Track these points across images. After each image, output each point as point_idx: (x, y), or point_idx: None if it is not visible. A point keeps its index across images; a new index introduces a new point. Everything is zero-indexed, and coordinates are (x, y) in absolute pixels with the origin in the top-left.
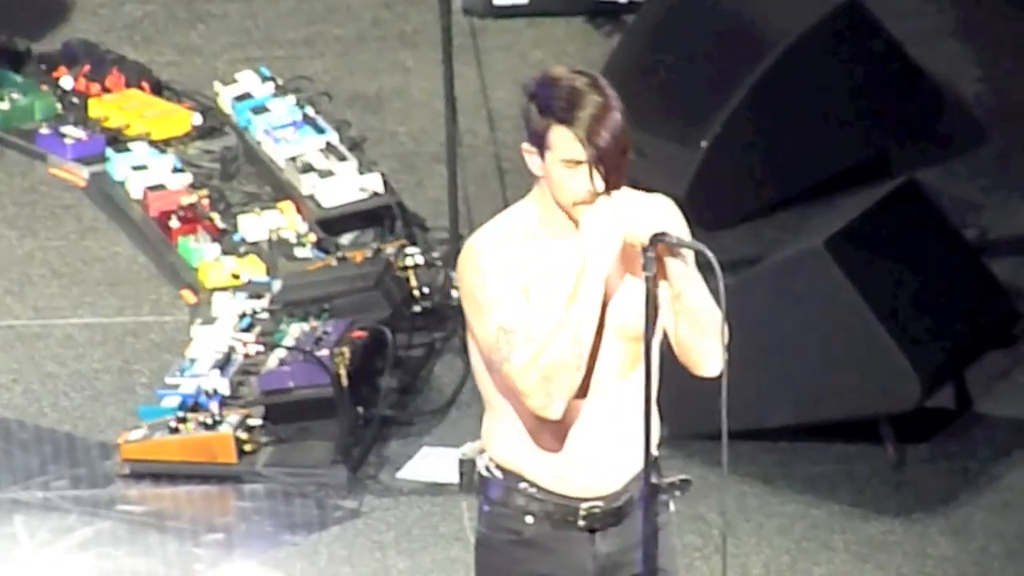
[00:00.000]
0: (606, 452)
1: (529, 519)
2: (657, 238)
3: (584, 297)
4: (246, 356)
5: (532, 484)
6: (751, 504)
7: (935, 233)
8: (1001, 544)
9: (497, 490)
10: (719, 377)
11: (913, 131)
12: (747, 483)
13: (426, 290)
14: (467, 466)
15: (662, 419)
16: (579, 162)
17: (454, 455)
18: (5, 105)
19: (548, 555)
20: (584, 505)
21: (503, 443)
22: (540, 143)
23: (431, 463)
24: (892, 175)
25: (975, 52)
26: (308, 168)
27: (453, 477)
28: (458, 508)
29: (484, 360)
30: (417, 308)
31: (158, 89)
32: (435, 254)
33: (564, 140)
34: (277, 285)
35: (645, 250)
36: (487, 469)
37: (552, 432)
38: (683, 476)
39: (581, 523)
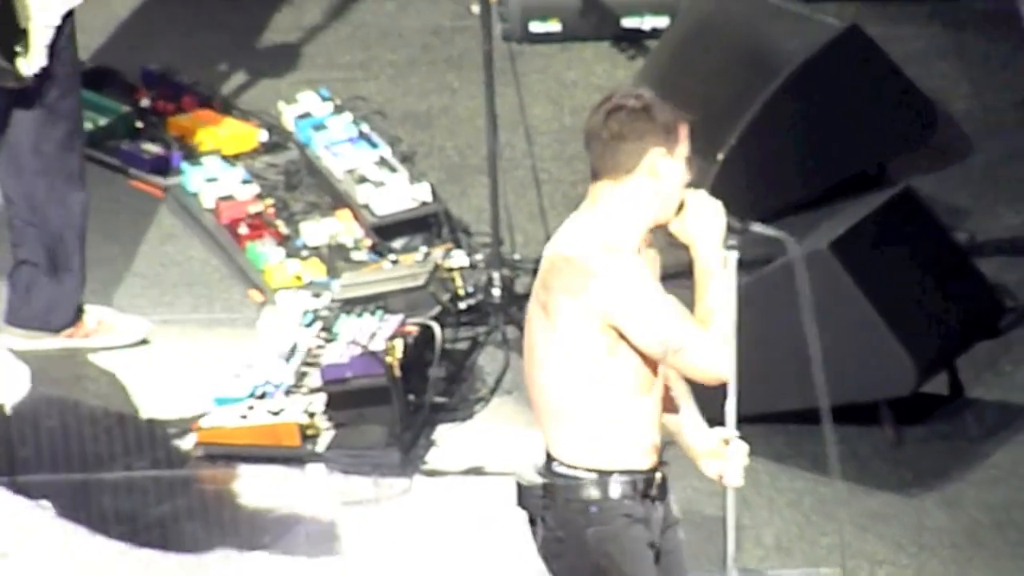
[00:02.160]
0: (657, 428)
1: (628, 502)
2: (745, 225)
3: (718, 270)
4: (308, 349)
5: (623, 472)
6: (763, 480)
7: (929, 236)
8: (990, 515)
9: (597, 489)
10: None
11: (909, 143)
12: (760, 462)
13: (470, 289)
14: (535, 489)
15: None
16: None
17: (496, 441)
18: (90, 123)
19: (647, 525)
20: (657, 476)
21: (588, 445)
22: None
23: (475, 447)
24: (890, 183)
25: (964, 72)
26: (363, 179)
27: (495, 461)
28: (498, 488)
29: (656, 352)
30: (462, 305)
31: (227, 109)
32: (478, 257)
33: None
34: (336, 285)
35: (734, 232)
36: (574, 476)
37: (628, 418)
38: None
39: (654, 492)
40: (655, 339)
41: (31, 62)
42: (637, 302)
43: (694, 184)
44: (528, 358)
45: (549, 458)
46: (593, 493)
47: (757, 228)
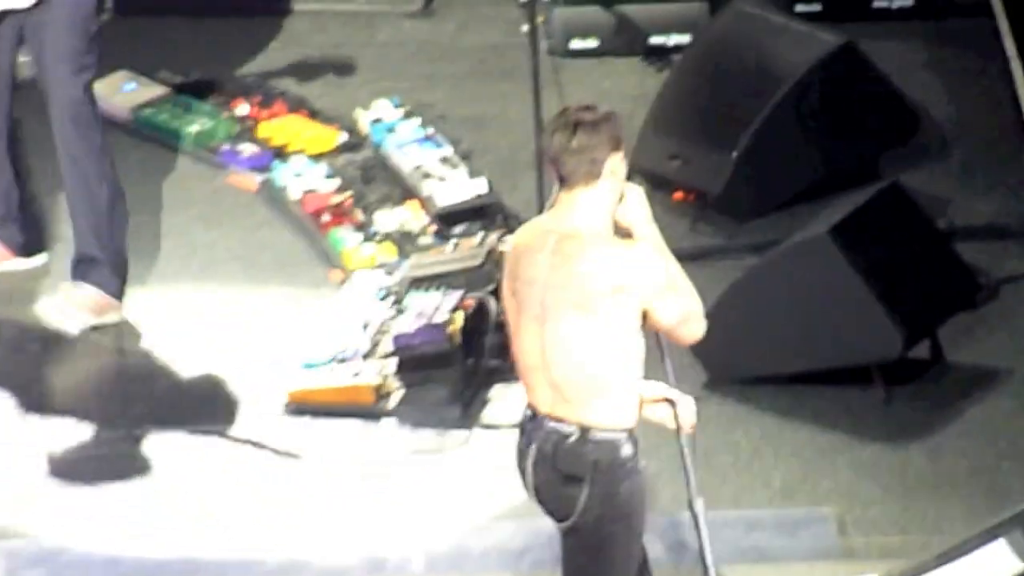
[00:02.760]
0: None
1: (636, 455)
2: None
3: (663, 245)
4: (381, 321)
5: (632, 429)
6: (771, 432)
7: (913, 223)
8: (966, 463)
9: (630, 445)
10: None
11: (896, 143)
12: (768, 416)
13: None
14: (584, 453)
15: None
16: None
17: None
18: (196, 127)
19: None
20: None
21: (622, 408)
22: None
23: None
24: (880, 178)
25: (943, 82)
26: (428, 175)
27: None
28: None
29: (671, 325)
30: None
31: (312, 114)
32: None
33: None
34: (405, 265)
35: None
36: (613, 439)
37: (637, 379)
38: None
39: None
40: (677, 313)
41: None
42: (666, 287)
43: (705, 179)
44: (558, 347)
45: (583, 430)
46: (627, 450)
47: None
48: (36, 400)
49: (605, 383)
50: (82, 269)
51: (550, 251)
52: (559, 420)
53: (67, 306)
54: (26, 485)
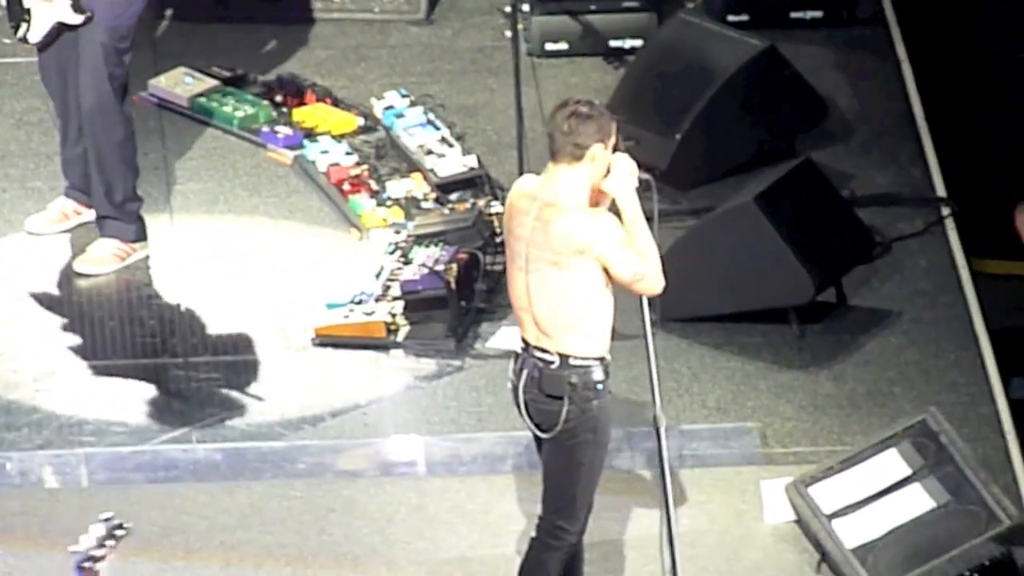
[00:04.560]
0: None
1: (607, 380)
2: (647, 181)
3: (641, 217)
4: (391, 270)
5: (604, 358)
6: (707, 362)
7: (823, 192)
8: (864, 387)
9: (601, 371)
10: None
11: (808, 127)
12: (705, 349)
13: (503, 228)
14: (563, 377)
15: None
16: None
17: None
18: (241, 112)
19: None
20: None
21: (594, 341)
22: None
23: (508, 336)
24: (796, 156)
25: (848, 79)
26: (429, 152)
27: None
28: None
29: (627, 281)
30: (498, 240)
31: (336, 103)
32: None
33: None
34: (411, 225)
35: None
36: (587, 365)
37: (607, 320)
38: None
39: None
40: (631, 272)
41: (33, 33)
42: (622, 251)
43: (653, 156)
44: (538, 293)
45: (562, 357)
46: (599, 375)
47: (645, 176)
48: (84, 336)
49: (577, 322)
50: (103, 225)
51: (533, 215)
52: (543, 350)
53: (96, 258)
54: (75, 409)
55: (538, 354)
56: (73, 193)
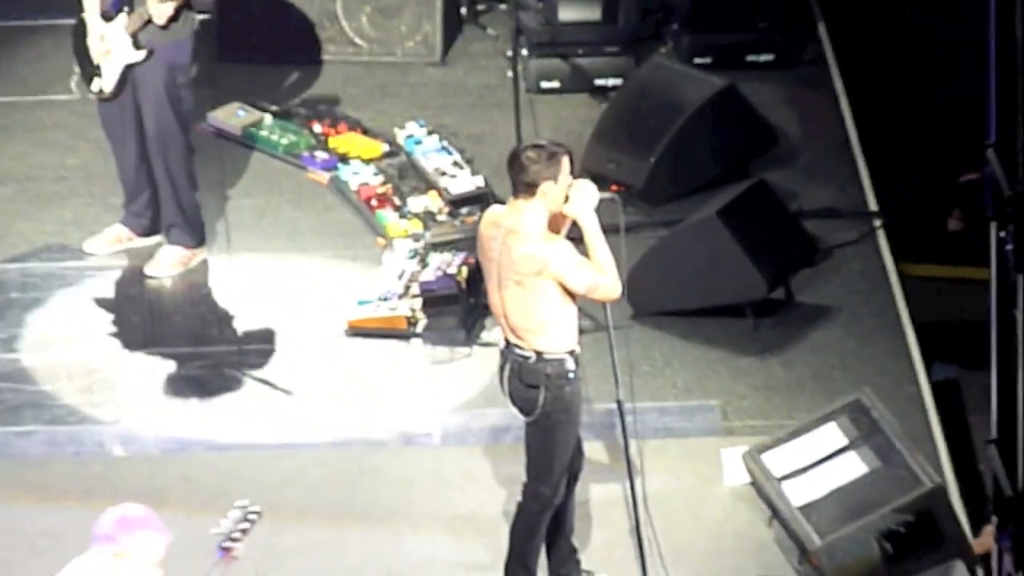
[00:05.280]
0: None
1: (577, 368)
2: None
3: (599, 235)
4: (411, 272)
5: (573, 351)
6: (677, 349)
7: (774, 207)
8: (809, 371)
9: (572, 361)
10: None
11: (761, 152)
12: (675, 338)
13: None
14: (538, 370)
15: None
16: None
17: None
18: (285, 140)
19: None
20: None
21: (562, 339)
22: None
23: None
24: (751, 176)
25: (794, 111)
26: (443, 173)
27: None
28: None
29: (582, 293)
30: None
31: (365, 132)
32: None
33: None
34: (428, 235)
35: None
36: (559, 358)
37: (571, 322)
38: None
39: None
40: (584, 285)
41: (106, 82)
42: (573, 268)
43: (630, 177)
44: (510, 306)
45: (537, 353)
46: (570, 365)
47: (607, 196)
48: (150, 327)
49: (544, 328)
50: (170, 233)
51: (500, 241)
52: (521, 348)
53: (163, 263)
54: (144, 388)
55: (517, 351)
56: (130, 221)
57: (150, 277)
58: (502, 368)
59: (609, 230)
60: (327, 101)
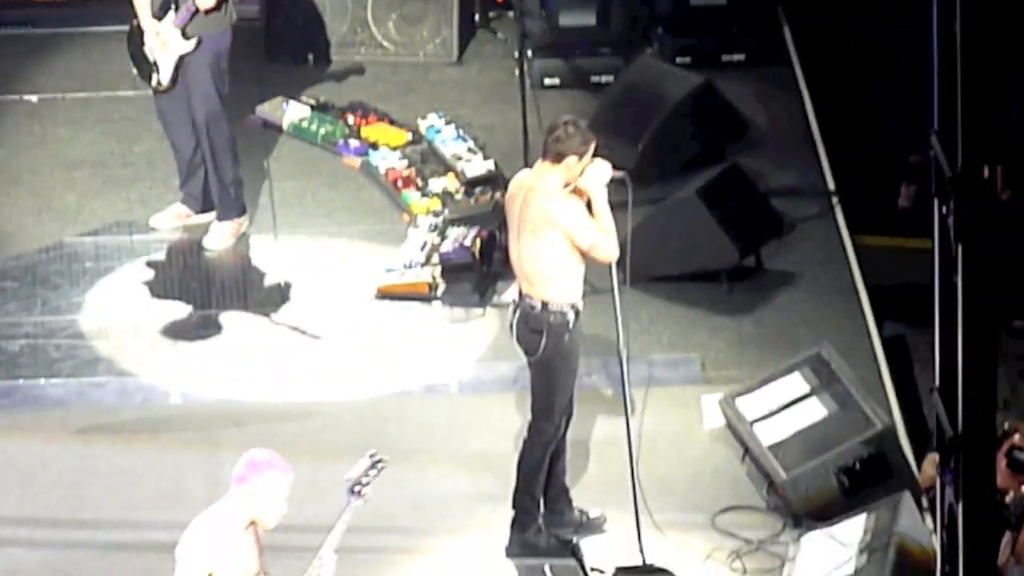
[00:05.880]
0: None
1: (576, 319)
2: (617, 179)
3: (606, 206)
4: (432, 244)
5: (575, 305)
6: (662, 310)
7: (745, 186)
8: (777, 329)
9: (572, 312)
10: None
11: (735, 139)
12: (660, 300)
13: None
14: (543, 318)
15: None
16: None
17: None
18: (323, 130)
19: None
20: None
21: (566, 292)
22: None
23: (512, 291)
24: (726, 160)
25: (763, 104)
26: (459, 157)
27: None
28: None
29: (585, 248)
30: None
31: (391, 123)
32: None
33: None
34: (446, 211)
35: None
36: (561, 310)
37: (577, 275)
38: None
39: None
40: (588, 242)
41: (163, 76)
42: (581, 224)
43: (623, 161)
44: (524, 254)
45: (543, 303)
46: (570, 315)
47: (619, 175)
48: (206, 292)
49: (553, 275)
50: (219, 210)
51: (521, 198)
52: (530, 297)
53: (217, 236)
54: (201, 345)
55: (527, 300)
56: (188, 201)
57: (206, 249)
58: (513, 315)
59: (613, 207)
60: (359, 96)
